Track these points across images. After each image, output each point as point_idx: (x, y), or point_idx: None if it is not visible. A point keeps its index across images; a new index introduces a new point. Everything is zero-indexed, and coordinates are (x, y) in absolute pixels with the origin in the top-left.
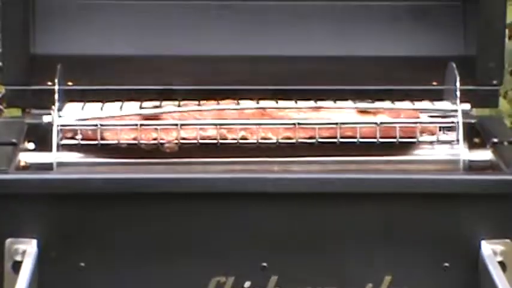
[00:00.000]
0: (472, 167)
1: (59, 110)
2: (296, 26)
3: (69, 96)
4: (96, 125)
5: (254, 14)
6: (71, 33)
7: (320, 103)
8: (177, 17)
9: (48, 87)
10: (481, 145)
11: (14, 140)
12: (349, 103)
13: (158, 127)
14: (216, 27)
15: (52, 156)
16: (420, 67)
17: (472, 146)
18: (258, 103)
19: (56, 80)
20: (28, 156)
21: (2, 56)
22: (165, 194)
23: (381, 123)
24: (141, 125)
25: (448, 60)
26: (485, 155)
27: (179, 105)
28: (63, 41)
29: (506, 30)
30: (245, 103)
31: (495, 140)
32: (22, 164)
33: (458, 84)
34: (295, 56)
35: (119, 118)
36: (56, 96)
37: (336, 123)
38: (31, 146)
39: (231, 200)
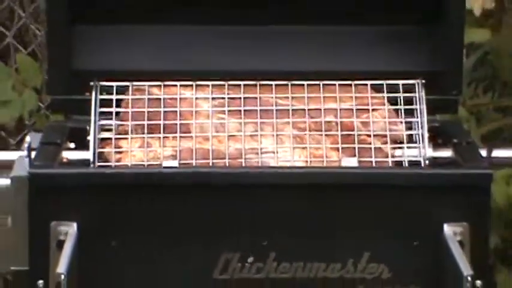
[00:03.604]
0: (436, 163)
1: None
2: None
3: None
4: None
5: (262, 37)
6: (107, 52)
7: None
8: (198, 37)
9: (86, 97)
10: (444, 145)
11: (58, 141)
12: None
13: None
14: (228, 49)
15: (89, 154)
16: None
17: (435, 145)
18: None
19: (93, 93)
20: (69, 154)
21: (48, 71)
22: (184, 187)
23: None
24: None
25: (418, 74)
26: (447, 153)
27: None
28: (100, 58)
29: (464, 50)
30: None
31: (455, 140)
32: (64, 160)
33: (423, 94)
34: (288, 71)
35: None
36: (92, 119)
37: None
38: (72, 145)
39: (238, 193)
